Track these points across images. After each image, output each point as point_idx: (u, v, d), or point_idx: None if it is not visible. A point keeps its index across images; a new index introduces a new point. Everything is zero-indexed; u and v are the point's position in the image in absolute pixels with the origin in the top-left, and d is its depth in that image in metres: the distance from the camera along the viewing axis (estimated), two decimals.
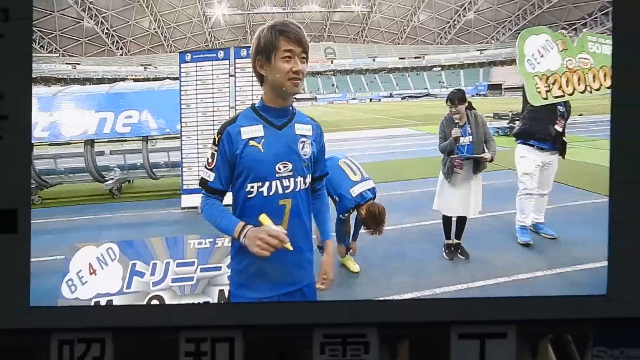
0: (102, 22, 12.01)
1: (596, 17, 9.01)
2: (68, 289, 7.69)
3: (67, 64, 11.83)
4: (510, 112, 12.52)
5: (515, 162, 7.31)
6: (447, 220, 7.16)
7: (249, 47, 3.34)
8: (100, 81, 12.33)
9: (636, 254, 5.62)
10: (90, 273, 8.09)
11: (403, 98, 11.69)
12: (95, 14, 11.96)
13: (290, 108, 3.07)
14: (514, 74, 9.24)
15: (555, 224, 7.71)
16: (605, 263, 6.03)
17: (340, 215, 6.47)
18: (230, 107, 10.50)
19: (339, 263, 6.95)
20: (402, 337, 5.97)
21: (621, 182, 5.44)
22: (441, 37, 11.07)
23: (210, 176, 3.07)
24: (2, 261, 7.45)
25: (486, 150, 6.61)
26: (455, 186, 6.83)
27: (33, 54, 6.49)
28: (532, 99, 6.74)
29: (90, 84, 12.48)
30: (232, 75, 11.70)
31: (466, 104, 6.51)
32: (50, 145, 12.65)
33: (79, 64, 12.07)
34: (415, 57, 11.35)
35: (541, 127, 6.99)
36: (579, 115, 11.93)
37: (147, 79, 12.76)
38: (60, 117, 13.10)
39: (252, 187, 3.02)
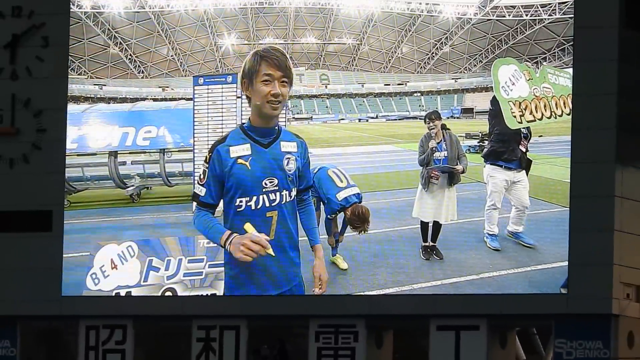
0: (126, 49, 12.02)
1: (554, 53, 9.18)
2: (92, 282, 7.63)
3: (94, 84, 11.81)
4: (480, 132, 12.56)
5: (485, 181, 7.28)
6: (424, 225, 7.22)
7: None
8: (124, 100, 12.32)
9: (593, 258, 5.64)
10: (112, 268, 8.04)
11: (387, 119, 11.76)
12: (120, 42, 11.98)
13: (276, 127, 3.04)
14: (483, 99, 9.38)
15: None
16: (563, 264, 6.04)
17: (329, 216, 6.55)
18: (237, 125, 10.54)
19: (329, 262, 6.97)
20: (387, 328, 5.96)
21: (580, 196, 5.48)
22: (421, 67, 11.18)
23: (202, 191, 3.04)
24: (38, 255, 7.39)
25: (459, 164, 6.68)
26: (432, 195, 6.90)
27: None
28: (510, 123, 6.71)
29: (114, 103, 12.44)
30: (239, 97, 11.72)
31: (441, 121, 6.59)
32: (78, 155, 12.60)
33: (105, 85, 12.05)
34: (399, 84, 11.46)
35: (507, 148, 6.98)
36: (539, 136, 12.00)
37: (165, 99, 12.75)
38: (88, 131, 13.09)
39: (240, 201, 2.99)
